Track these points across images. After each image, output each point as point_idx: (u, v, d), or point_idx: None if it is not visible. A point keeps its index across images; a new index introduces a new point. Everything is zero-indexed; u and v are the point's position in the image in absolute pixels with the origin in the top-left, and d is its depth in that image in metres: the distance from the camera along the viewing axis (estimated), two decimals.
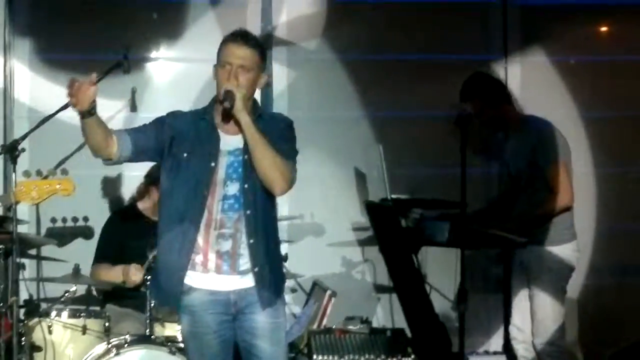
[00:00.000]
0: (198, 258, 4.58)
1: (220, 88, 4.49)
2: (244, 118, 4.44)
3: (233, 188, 4.56)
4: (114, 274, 6.09)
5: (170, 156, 4.60)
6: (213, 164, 4.53)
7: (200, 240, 4.59)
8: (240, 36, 4.64)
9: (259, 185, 4.54)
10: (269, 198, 4.65)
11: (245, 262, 4.57)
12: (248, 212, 4.53)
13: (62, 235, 6.74)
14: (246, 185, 4.53)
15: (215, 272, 4.59)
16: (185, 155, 4.56)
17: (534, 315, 6.25)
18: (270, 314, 4.61)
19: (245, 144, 4.51)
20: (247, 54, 4.55)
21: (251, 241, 4.54)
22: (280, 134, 4.62)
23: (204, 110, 4.70)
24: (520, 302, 6.38)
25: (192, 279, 4.59)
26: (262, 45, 4.75)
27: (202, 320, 4.60)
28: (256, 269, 4.55)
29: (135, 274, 5.97)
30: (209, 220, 4.57)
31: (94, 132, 4.47)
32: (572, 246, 6.25)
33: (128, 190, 6.88)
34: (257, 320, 4.60)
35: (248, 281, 4.58)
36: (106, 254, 6.29)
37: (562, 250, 6.18)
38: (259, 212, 4.58)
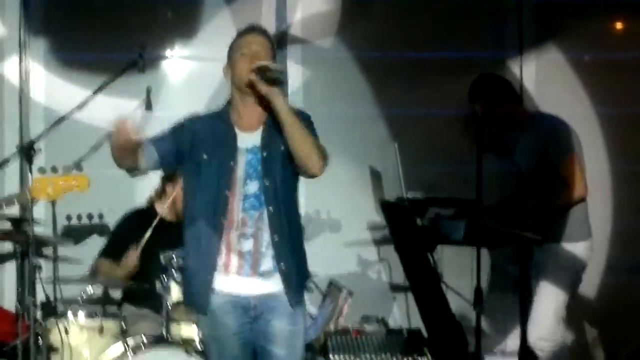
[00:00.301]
0: (219, 260, 4.48)
1: (238, 78, 4.43)
2: (279, 98, 4.36)
3: (253, 186, 4.47)
4: (115, 269, 6.17)
5: (191, 159, 4.56)
6: (232, 163, 4.46)
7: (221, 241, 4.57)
8: (254, 28, 4.66)
9: (279, 181, 4.47)
10: (291, 194, 4.59)
11: (266, 262, 4.47)
12: (270, 208, 4.45)
13: (78, 233, 6.77)
14: (267, 182, 4.45)
15: (236, 274, 4.48)
16: (205, 157, 4.50)
17: (535, 306, 6.18)
18: (289, 320, 4.53)
19: (263, 140, 4.46)
20: (263, 42, 4.53)
21: (275, 238, 4.46)
22: (305, 122, 4.54)
23: (219, 110, 4.63)
24: (545, 304, 6.27)
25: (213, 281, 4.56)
26: (270, 38, 4.70)
27: (223, 323, 4.53)
28: (282, 264, 4.46)
29: (129, 255, 6.06)
30: (230, 221, 4.49)
31: (128, 151, 4.44)
32: (587, 244, 6.21)
33: (142, 190, 6.80)
34: (275, 325, 4.51)
35: (269, 285, 4.48)
36: (114, 251, 6.33)
37: (576, 248, 6.14)
38: (281, 209, 4.49)
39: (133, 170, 4.60)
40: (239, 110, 4.49)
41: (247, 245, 4.45)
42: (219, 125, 4.56)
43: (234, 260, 4.47)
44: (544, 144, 6.26)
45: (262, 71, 4.30)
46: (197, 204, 4.55)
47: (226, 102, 4.58)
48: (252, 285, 4.48)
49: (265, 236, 4.46)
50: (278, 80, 4.41)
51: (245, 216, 4.45)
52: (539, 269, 6.21)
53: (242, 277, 4.49)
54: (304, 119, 4.60)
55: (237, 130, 4.49)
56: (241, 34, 4.58)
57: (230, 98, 4.55)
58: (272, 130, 4.43)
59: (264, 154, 4.42)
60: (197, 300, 4.59)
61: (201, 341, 5.45)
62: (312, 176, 4.47)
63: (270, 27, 6.77)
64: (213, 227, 4.49)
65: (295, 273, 4.52)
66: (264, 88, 4.31)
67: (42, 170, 5.14)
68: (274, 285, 4.48)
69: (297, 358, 4.60)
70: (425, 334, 6.21)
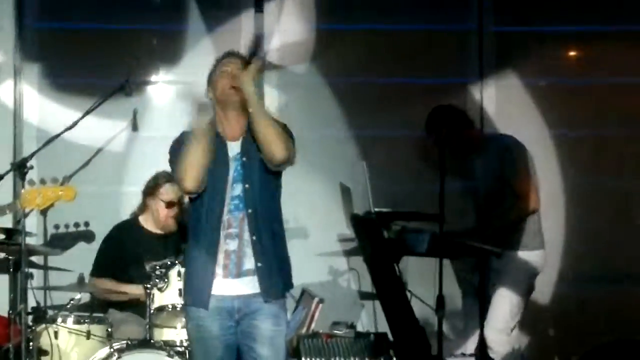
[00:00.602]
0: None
1: (220, 92, 4.50)
2: (249, 88, 4.40)
3: (237, 189, 4.52)
4: (129, 291, 6.05)
5: None
6: (227, 169, 4.53)
7: None
8: (231, 53, 4.71)
9: (258, 185, 4.52)
10: (271, 198, 4.60)
11: (249, 262, 4.51)
12: (249, 210, 4.49)
13: (65, 240, 6.72)
14: (247, 185, 4.50)
15: (222, 276, 4.52)
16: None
17: (490, 308, 6.24)
18: (272, 321, 4.54)
19: (243, 147, 4.52)
20: (239, 63, 4.55)
21: (254, 238, 4.49)
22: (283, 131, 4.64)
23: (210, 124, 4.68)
24: (500, 308, 6.32)
25: None
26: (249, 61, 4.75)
27: (208, 326, 4.55)
28: (259, 264, 4.48)
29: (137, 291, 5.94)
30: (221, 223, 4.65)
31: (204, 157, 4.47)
32: (540, 253, 6.28)
33: (125, 202, 6.85)
34: (259, 326, 4.53)
35: (252, 287, 4.50)
36: (106, 269, 6.32)
37: (530, 257, 6.21)
38: (260, 212, 4.53)
39: (198, 189, 4.57)
40: (223, 123, 4.54)
41: (233, 245, 4.48)
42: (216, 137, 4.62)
43: (221, 260, 4.50)
44: (499, 162, 6.31)
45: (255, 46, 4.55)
46: (199, 209, 4.59)
47: (213, 115, 4.60)
48: (235, 286, 4.50)
49: (247, 236, 4.49)
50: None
51: (230, 217, 4.49)
52: (497, 275, 6.24)
53: (227, 278, 4.50)
54: (285, 129, 4.65)
55: (225, 140, 4.56)
56: (221, 58, 4.66)
57: (213, 116, 4.58)
58: (252, 139, 4.47)
59: (244, 160, 4.47)
60: (199, 297, 4.58)
61: (182, 344, 5.57)
62: (278, 164, 4.46)
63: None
64: (211, 230, 4.53)
65: (274, 271, 4.54)
66: (242, 80, 4.39)
67: (31, 182, 5.18)
68: (255, 286, 4.51)
69: (281, 357, 4.61)
70: (391, 337, 6.12)
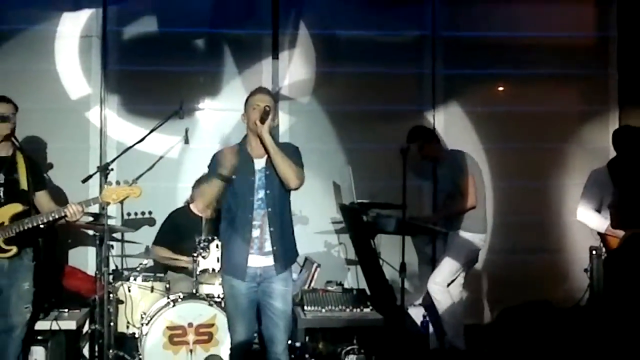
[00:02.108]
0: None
1: (251, 123, 4.53)
2: (268, 136, 4.48)
3: (261, 194, 4.58)
4: (179, 259, 6.11)
5: (226, 179, 4.59)
6: (253, 179, 4.59)
7: None
8: (263, 89, 4.78)
9: (276, 192, 4.59)
10: (284, 201, 4.67)
11: (268, 245, 4.61)
12: (269, 209, 4.57)
13: (135, 223, 6.71)
14: (268, 191, 4.57)
15: (250, 253, 4.64)
16: (234, 177, 4.55)
17: (436, 267, 6.31)
18: (282, 283, 4.65)
19: (266, 164, 4.57)
20: (269, 99, 4.62)
21: (271, 229, 4.59)
22: (292, 153, 4.64)
23: (240, 143, 4.72)
24: (445, 267, 6.31)
25: None
26: (273, 96, 4.80)
27: (238, 286, 4.65)
28: (274, 247, 4.60)
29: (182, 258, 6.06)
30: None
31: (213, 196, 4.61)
32: (482, 237, 6.28)
33: (179, 197, 6.87)
34: (274, 287, 4.64)
35: (269, 261, 4.62)
36: (165, 241, 6.29)
37: (473, 237, 6.22)
38: (277, 210, 4.62)
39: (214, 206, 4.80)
40: (252, 144, 4.59)
41: (256, 233, 4.57)
42: (242, 154, 4.59)
43: (250, 244, 4.59)
44: (452, 172, 6.27)
45: (265, 112, 4.45)
46: (232, 207, 4.63)
47: (243, 137, 4.67)
48: (258, 260, 4.60)
49: (266, 228, 4.57)
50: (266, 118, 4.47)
51: (255, 214, 4.57)
52: (447, 247, 6.28)
53: (252, 255, 4.58)
54: (292, 148, 4.72)
55: (253, 157, 4.60)
56: (253, 93, 4.67)
57: (246, 135, 4.64)
58: None
59: (267, 173, 4.54)
60: (237, 270, 4.63)
61: (218, 296, 5.58)
62: (292, 189, 4.55)
63: (268, 88, 7.14)
64: (246, 222, 4.59)
65: (284, 252, 4.61)
66: (258, 129, 4.47)
67: (109, 183, 5.10)
68: (271, 260, 4.60)
69: (289, 308, 4.68)
70: (368, 292, 6.21)
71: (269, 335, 4.70)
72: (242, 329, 4.73)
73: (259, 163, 4.64)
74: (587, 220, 5.77)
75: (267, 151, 4.52)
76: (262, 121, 4.48)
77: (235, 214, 4.66)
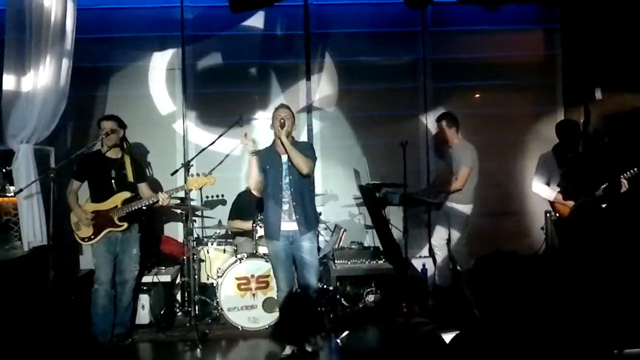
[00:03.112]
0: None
1: (276, 129, 4.65)
2: (284, 138, 4.61)
3: (287, 179, 4.71)
4: (246, 226, 6.07)
5: (263, 169, 4.79)
6: (281, 169, 4.71)
7: None
8: (283, 105, 4.83)
9: (296, 177, 4.67)
10: (304, 184, 4.72)
11: (293, 215, 4.70)
12: (292, 190, 4.70)
13: (211, 204, 6.69)
14: (291, 177, 4.69)
15: (282, 221, 4.74)
16: (267, 167, 4.70)
17: (450, 236, 6.17)
18: (309, 241, 4.74)
19: (288, 157, 4.65)
20: (286, 112, 4.71)
21: (294, 204, 4.70)
22: (306, 148, 4.75)
23: (272, 144, 4.85)
24: (439, 231, 6.31)
25: None
26: (291, 109, 4.82)
27: (277, 244, 4.75)
28: (297, 217, 4.70)
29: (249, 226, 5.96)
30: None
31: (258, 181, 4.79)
32: (469, 207, 6.14)
33: (242, 183, 6.82)
34: (302, 245, 4.73)
35: (296, 226, 4.72)
36: (237, 214, 6.25)
37: (464, 208, 6.13)
38: (297, 191, 4.71)
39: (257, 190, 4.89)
40: (278, 144, 4.72)
41: (285, 206, 4.72)
42: (272, 152, 4.79)
43: (281, 213, 4.74)
44: (458, 158, 6.13)
45: (283, 123, 4.61)
46: (270, 188, 4.75)
47: (273, 140, 4.82)
48: (289, 225, 4.73)
49: (292, 203, 4.71)
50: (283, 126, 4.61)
51: (284, 193, 4.71)
52: (448, 216, 6.13)
53: (284, 222, 4.73)
54: (307, 145, 4.91)
55: (280, 154, 4.75)
56: (276, 108, 4.78)
57: (274, 138, 4.78)
58: None
59: (289, 164, 4.67)
60: (273, 233, 4.75)
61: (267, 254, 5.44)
62: (304, 175, 4.63)
63: (304, 102, 7.02)
64: (278, 199, 4.73)
65: (305, 219, 4.70)
66: (278, 133, 4.63)
67: (191, 175, 5.17)
68: (297, 226, 4.72)
69: (315, 260, 4.78)
70: (381, 248, 6.20)
71: (303, 281, 4.75)
72: (283, 276, 4.77)
73: (284, 157, 4.72)
74: (540, 192, 5.66)
75: (284, 149, 4.60)
76: (282, 126, 4.59)
77: (271, 194, 4.72)
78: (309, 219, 4.76)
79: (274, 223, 4.72)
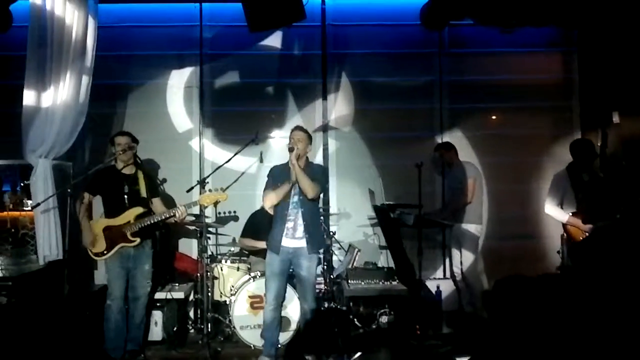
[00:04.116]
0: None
1: (290, 149, 4.77)
2: (294, 162, 4.71)
3: (295, 198, 4.80)
4: (259, 244, 5.95)
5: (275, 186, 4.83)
6: (292, 186, 4.78)
7: None
8: (297, 127, 4.95)
9: (305, 197, 4.78)
10: (312, 204, 4.84)
11: (298, 233, 4.82)
12: (302, 209, 4.79)
13: (224, 220, 6.64)
14: (301, 197, 4.78)
15: (285, 237, 4.86)
16: (278, 184, 4.78)
17: (463, 258, 6.21)
18: (307, 259, 4.84)
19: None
20: (300, 135, 4.81)
21: (304, 223, 4.81)
22: (317, 171, 4.87)
23: (286, 162, 4.91)
24: (456, 255, 6.34)
25: None
26: (307, 131, 4.91)
27: (275, 257, 4.88)
28: (307, 236, 4.80)
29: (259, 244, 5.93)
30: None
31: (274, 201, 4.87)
32: (478, 227, 6.20)
33: (256, 201, 6.62)
34: (301, 262, 4.86)
35: (298, 243, 4.83)
36: (249, 233, 6.21)
37: (471, 228, 6.16)
38: (306, 211, 4.82)
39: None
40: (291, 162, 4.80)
41: (290, 224, 4.85)
42: (285, 170, 4.90)
43: (285, 230, 4.85)
44: (460, 173, 6.27)
45: (292, 147, 4.73)
46: (279, 205, 4.88)
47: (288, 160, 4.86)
48: (290, 242, 4.86)
49: (299, 221, 4.83)
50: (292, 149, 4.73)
51: (291, 211, 4.84)
52: (458, 239, 6.23)
53: (287, 238, 4.85)
54: (319, 168, 5.00)
55: (292, 171, 4.81)
56: (293, 130, 4.92)
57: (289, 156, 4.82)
58: None
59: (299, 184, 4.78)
60: (274, 247, 4.89)
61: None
62: (309, 198, 4.75)
63: (319, 122, 6.99)
64: (283, 215, 4.86)
65: (312, 238, 4.83)
66: (290, 157, 4.72)
67: (204, 191, 5.25)
68: (301, 243, 4.85)
69: (312, 278, 4.88)
70: (395, 269, 6.17)
71: (300, 294, 4.94)
72: (273, 288, 4.86)
73: (294, 177, 4.81)
74: (552, 213, 5.57)
75: (297, 178, 4.74)
76: (291, 151, 4.67)
77: (279, 210, 4.81)
78: (317, 238, 4.88)
79: (277, 238, 4.84)
